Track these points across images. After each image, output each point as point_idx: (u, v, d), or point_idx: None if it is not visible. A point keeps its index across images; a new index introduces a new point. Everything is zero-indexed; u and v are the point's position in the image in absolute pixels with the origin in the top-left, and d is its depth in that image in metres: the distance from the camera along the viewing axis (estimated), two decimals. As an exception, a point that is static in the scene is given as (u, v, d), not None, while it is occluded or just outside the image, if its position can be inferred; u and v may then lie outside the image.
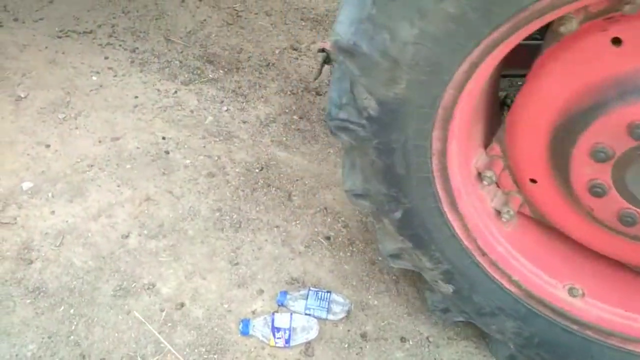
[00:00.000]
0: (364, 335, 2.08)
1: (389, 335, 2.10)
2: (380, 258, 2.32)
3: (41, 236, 2.26)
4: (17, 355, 1.90)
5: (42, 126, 2.69)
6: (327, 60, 2.22)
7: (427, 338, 2.10)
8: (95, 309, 2.06)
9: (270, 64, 3.20)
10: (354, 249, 2.35)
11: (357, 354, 2.03)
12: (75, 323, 2.01)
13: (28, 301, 2.05)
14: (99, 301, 2.08)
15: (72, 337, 1.98)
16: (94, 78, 2.95)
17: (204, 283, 2.17)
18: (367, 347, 2.06)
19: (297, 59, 3.28)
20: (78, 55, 3.07)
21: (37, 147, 2.60)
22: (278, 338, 2.00)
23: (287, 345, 2.00)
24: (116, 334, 2.00)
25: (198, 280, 2.18)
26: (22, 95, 2.79)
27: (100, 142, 2.64)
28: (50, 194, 2.41)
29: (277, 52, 3.30)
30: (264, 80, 3.09)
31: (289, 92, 3.04)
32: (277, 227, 2.39)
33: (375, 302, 2.19)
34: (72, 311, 2.04)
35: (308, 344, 2.03)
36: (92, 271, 2.17)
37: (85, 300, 2.08)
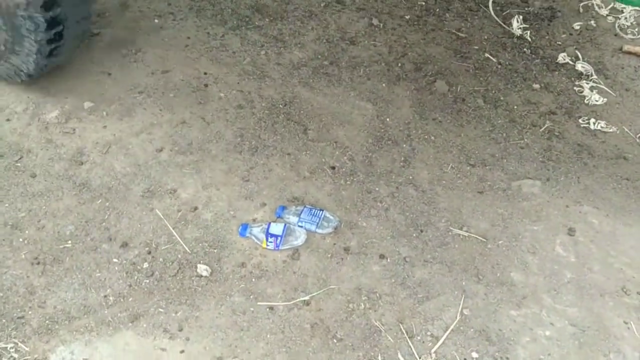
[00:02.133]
0: (347, 249, 2.33)
1: (370, 252, 2.33)
2: (377, 188, 2.54)
3: (92, 145, 2.69)
4: (59, 232, 2.34)
5: (107, 58, 3.13)
6: None
7: (405, 258, 2.31)
8: (126, 204, 2.46)
9: (313, 15, 3.45)
10: (355, 179, 2.59)
11: (337, 263, 2.28)
12: (108, 214, 2.42)
13: (74, 193, 2.48)
14: (129, 199, 2.48)
15: (104, 223, 2.39)
16: (156, 21, 3.36)
17: (217, 193, 2.51)
18: (348, 259, 2.30)
19: (339, 11, 3.50)
20: (145, 1, 3.48)
21: (101, 75, 3.04)
22: (270, 242, 2.30)
23: (277, 248, 2.30)
24: (139, 225, 2.39)
25: (212, 190, 2.52)
26: (95, 32, 3.25)
27: (152, 73, 3.03)
28: (104, 113, 2.84)
29: (322, 4, 3.54)
30: (304, 29, 3.35)
31: (324, 40, 3.28)
32: (288, 154, 2.67)
33: (364, 224, 2.42)
34: (107, 204, 2.45)
35: (295, 250, 2.31)
36: (128, 175, 2.57)
37: (119, 197, 2.48)
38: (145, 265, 2.25)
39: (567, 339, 2.06)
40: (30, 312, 2.08)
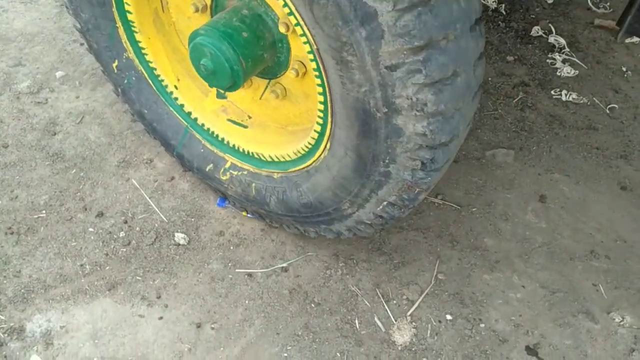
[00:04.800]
0: (324, 217, 2.34)
1: (347, 220, 2.35)
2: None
3: (65, 115, 2.65)
4: (32, 202, 2.31)
5: (79, 28, 3.06)
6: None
7: (381, 225, 2.34)
8: (101, 174, 2.44)
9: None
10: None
11: (314, 231, 2.30)
12: (83, 184, 2.40)
13: (47, 163, 2.45)
14: (105, 169, 2.46)
15: (78, 193, 2.36)
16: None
17: (194, 163, 2.49)
18: (325, 226, 2.32)
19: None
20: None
21: (73, 44, 2.98)
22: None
23: (256, 216, 2.30)
24: (115, 195, 2.37)
25: (189, 160, 2.50)
26: (66, 1, 3.17)
27: (126, 43, 2.98)
28: (77, 82, 2.80)
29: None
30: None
31: None
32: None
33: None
34: (81, 174, 2.43)
35: (273, 218, 2.32)
36: (103, 145, 2.54)
37: (94, 167, 2.46)
38: (122, 234, 2.24)
39: (537, 301, 2.13)
40: (5, 282, 2.06)
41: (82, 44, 2.97)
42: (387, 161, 1.63)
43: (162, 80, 2.16)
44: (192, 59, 1.79)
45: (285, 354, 1.94)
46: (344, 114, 1.62)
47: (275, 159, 2.00)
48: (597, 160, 2.64)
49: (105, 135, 2.58)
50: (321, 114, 1.73)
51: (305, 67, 1.78)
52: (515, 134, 2.75)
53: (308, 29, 1.48)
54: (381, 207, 1.80)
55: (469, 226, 2.35)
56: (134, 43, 2.08)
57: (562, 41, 3.26)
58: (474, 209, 2.41)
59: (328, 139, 1.75)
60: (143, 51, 2.10)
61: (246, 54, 1.72)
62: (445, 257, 2.24)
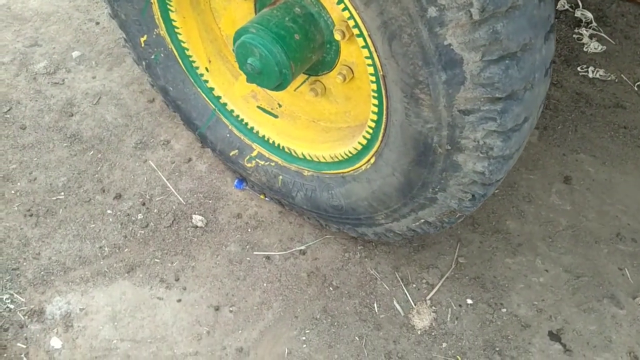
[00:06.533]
0: (342, 199, 2.31)
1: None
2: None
3: (82, 95, 2.63)
4: (51, 184, 2.31)
5: (95, 6, 3.03)
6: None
7: (400, 207, 2.30)
8: (118, 156, 2.42)
9: None
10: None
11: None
12: (100, 165, 2.39)
13: (65, 145, 2.44)
14: (122, 150, 2.44)
15: (96, 175, 2.36)
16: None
17: (211, 144, 2.47)
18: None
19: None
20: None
21: (89, 23, 2.96)
22: (265, 192, 2.27)
23: (275, 201, 2.28)
24: (132, 177, 2.36)
25: (206, 141, 2.48)
26: (81, -21, 3.14)
27: (141, 22, 2.94)
28: (94, 62, 2.77)
29: None
30: None
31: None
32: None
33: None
34: (99, 156, 2.42)
35: (290, 200, 2.29)
36: (120, 126, 2.53)
37: (111, 148, 2.45)
38: (140, 216, 2.23)
39: (561, 285, 2.08)
40: (25, 264, 2.07)
41: (97, 23, 2.95)
42: (437, 189, 1.59)
43: (194, 62, 2.09)
44: (238, 55, 1.71)
45: (304, 338, 1.93)
46: (399, 140, 1.56)
47: (308, 158, 1.95)
48: (624, 140, 2.56)
49: (122, 116, 2.56)
50: (371, 130, 1.67)
51: (353, 73, 1.72)
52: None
53: (379, 58, 1.41)
54: (418, 223, 1.77)
55: (491, 208, 2.30)
56: (168, 21, 1.99)
57: (589, 15, 3.14)
58: (496, 191, 2.36)
59: (374, 155, 1.70)
60: (176, 30, 2.01)
61: (297, 57, 1.65)
62: (466, 241, 2.20)
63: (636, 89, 2.79)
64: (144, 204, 2.27)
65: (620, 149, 2.53)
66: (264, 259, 2.13)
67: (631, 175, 2.42)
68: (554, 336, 1.95)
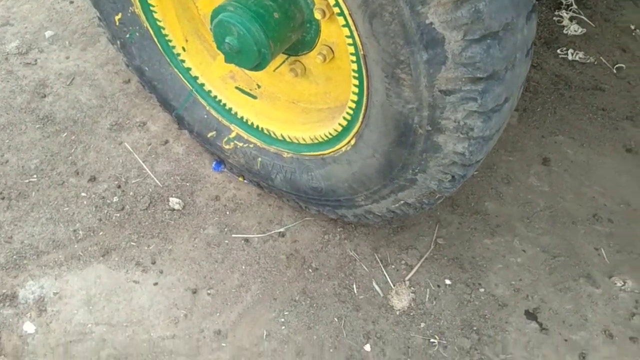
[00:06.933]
0: (321, 181, 2.29)
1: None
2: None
3: (55, 76, 2.57)
4: (23, 166, 2.26)
5: (68, -15, 2.95)
6: None
7: (380, 189, 2.28)
8: (93, 138, 2.38)
9: None
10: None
11: (312, 195, 2.25)
12: (74, 147, 2.34)
13: (37, 126, 2.39)
14: (97, 132, 2.39)
15: (70, 157, 2.31)
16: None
17: (188, 125, 2.43)
18: (323, 190, 2.27)
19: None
20: None
21: (62, 2, 2.88)
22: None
23: (254, 184, 2.25)
24: (107, 159, 2.32)
25: (183, 123, 2.44)
26: (53, -43, 3.05)
27: (116, 1, 2.87)
28: (67, 42, 2.71)
29: None
30: None
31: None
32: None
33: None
34: (73, 137, 2.37)
35: (269, 182, 2.27)
36: (94, 108, 2.47)
37: (85, 130, 2.40)
38: (115, 199, 2.19)
39: (538, 265, 2.09)
40: (-3, 247, 2.03)
41: (71, 2, 2.87)
42: (417, 171, 1.59)
43: (170, 41, 2.04)
44: (216, 34, 1.67)
45: (282, 319, 1.92)
46: (380, 121, 1.55)
47: (288, 139, 1.93)
48: (602, 122, 2.57)
49: (97, 97, 2.51)
50: (351, 111, 1.65)
51: (333, 53, 1.69)
52: (518, 94, 2.67)
53: (360, 38, 1.38)
54: (397, 205, 1.77)
55: (470, 190, 2.30)
56: None
57: (570, -2, 3.15)
58: (475, 172, 2.35)
59: (354, 136, 1.68)
60: (152, 8, 1.96)
61: (276, 36, 1.62)
62: (445, 222, 2.20)
63: (615, 71, 2.80)
64: (119, 187, 2.23)
65: (599, 131, 2.54)
66: (242, 241, 2.11)
67: (609, 157, 2.44)
68: (531, 315, 1.96)
